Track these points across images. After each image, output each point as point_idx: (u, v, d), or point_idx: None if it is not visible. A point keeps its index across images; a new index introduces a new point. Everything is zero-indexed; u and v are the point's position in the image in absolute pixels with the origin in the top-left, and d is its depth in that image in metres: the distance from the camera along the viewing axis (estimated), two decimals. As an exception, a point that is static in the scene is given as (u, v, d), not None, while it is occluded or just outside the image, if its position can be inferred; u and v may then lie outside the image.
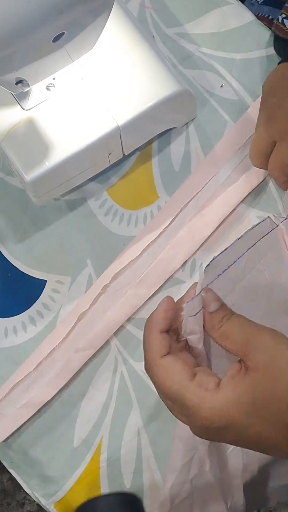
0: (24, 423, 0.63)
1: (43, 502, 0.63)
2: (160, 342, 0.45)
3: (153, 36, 0.73)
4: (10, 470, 0.64)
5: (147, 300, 0.65)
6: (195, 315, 0.46)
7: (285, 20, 0.70)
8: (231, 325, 0.45)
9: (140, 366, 0.65)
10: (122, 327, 0.65)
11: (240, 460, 0.59)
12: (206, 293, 0.46)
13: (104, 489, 0.62)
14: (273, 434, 0.43)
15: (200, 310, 0.46)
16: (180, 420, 0.46)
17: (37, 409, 0.62)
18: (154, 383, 0.46)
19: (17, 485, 1.24)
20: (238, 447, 0.58)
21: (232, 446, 0.59)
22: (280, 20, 0.70)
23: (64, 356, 0.63)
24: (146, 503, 0.62)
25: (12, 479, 1.24)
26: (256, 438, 0.43)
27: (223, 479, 0.60)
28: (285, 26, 0.69)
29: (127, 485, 0.62)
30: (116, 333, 0.65)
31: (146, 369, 0.46)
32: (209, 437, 0.46)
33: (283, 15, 0.70)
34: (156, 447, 0.64)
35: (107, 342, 0.65)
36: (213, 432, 0.44)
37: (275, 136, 0.61)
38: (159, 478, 0.63)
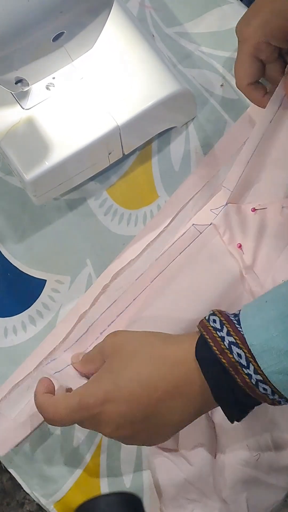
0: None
1: (42, 502, 0.63)
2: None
3: (153, 36, 0.73)
4: (9, 470, 0.64)
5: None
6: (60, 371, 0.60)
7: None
8: (88, 352, 0.59)
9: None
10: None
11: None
12: (73, 357, 0.62)
13: (104, 489, 0.62)
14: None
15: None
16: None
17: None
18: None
19: (16, 484, 1.23)
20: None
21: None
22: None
23: (65, 356, 0.63)
24: (146, 502, 0.61)
25: (12, 478, 1.24)
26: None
27: None
28: None
29: (127, 485, 0.62)
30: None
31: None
32: (116, 428, 0.53)
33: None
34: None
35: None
36: (106, 415, 0.52)
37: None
38: (159, 478, 0.63)
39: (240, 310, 0.51)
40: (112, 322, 0.63)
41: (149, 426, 0.53)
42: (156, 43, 0.71)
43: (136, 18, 0.71)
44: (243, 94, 0.67)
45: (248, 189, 0.66)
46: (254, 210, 0.65)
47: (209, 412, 0.60)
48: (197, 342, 0.51)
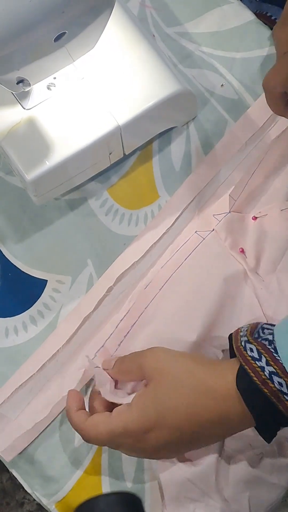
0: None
1: (44, 502, 0.63)
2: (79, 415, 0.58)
3: (153, 35, 0.73)
4: (11, 470, 0.64)
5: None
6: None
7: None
8: (125, 360, 0.59)
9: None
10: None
11: None
12: (104, 363, 0.61)
13: (106, 489, 0.62)
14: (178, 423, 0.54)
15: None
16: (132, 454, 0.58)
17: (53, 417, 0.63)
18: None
19: (16, 484, 1.23)
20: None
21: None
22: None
23: (70, 359, 0.63)
24: (148, 502, 0.61)
25: (11, 478, 1.24)
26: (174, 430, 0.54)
27: None
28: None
29: (129, 485, 0.62)
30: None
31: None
32: (148, 450, 0.55)
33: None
34: (157, 447, 0.64)
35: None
36: (149, 441, 0.54)
37: None
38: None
39: (272, 335, 0.53)
40: (128, 332, 0.63)
41: (185, 449, 0.56)
42: (156, 43, 0.71)
43: (137, 18, 0.71)
44: (243, 94, 0.67)
45: (251, 199, 0.66)
46: (255, 218, 0.66)
47: None
48: (237, 372, 0.52)
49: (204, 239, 0.65)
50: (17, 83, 0.53)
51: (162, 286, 0.64)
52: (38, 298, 0.67)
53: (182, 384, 0.54)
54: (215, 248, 0.65)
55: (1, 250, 0.68)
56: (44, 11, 0.45)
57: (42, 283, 0.67)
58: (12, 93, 0.60)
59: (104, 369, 0.60)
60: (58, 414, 0.63)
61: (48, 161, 0.60)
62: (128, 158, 0.69)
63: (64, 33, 0.50)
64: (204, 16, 0.74)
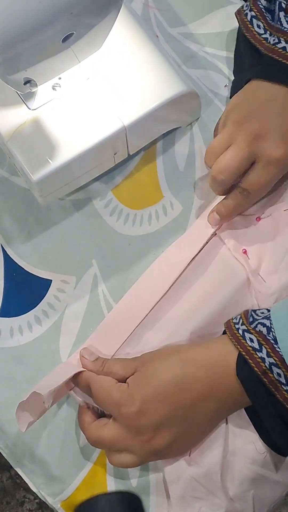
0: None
1: (49, 500, 0.63)
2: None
3: (157, 36, 0.73)
4: (16, 469, 0.64)
5: None
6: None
7: (254, 19, 0.66)
8: (110, 363, 0.60)
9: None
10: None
11: None
12: (84, 351, 0.62)
13: (111, 488, 0.62)
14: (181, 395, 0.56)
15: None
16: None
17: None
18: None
19: (17, 483, 1.23)
20: None
21: None
22: (248, 18, 0.66)
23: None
24: (153, 501, 0.62)
25: (12, 477, 1.24)
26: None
27: None
28: (253, 26, 0.66)
29: (134, 484, 0.62)
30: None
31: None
32: (147, 425, 0.56)
33: (253, 13, 0.66)
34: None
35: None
36: (144, 427, 0.56)
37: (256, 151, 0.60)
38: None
39: (270, 321, 0.55)
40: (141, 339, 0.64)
41: (185, 429, 0.56)
42: (161, 44, 0.71)
43: (141, 18, 0.71)
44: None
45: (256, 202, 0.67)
46: (259, 219, 0.66)
47: None
48: (237, 360, 0.54)
49: (207, 242, 0.66)
50: (24, 84, 0.53)
51: (168, 290, 0.64)
52: (43, 298, 0.67)
53: (170, 359, 0.57)
54: (218, 251, 0.66)
55: (6, 250, 0.68)
56: (53, 12, 0.46)
57: (47, 283, 0.67)
58: (18, 93, 0.60)
59: (82, 356, 0.62)
60: None
61: (53, 162, 0.60)
62: (132, 159, 0.70)
63: (72, 33, 0.50)
64: (207, 16, 0.74)
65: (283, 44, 0.60)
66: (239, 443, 0.60)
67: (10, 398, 0.64)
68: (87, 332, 0.66)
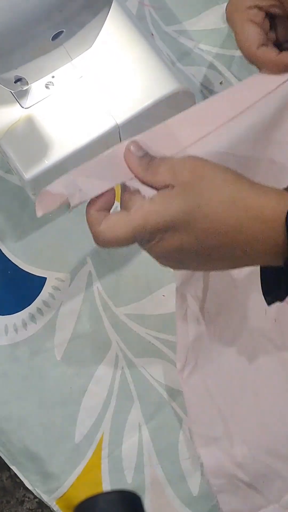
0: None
1: (44, 498, 0.63)
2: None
3: (152, 34, 0.73)
4: (11, 467, 0.64)
5: None
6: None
7: None
8: (157, 162, 0.50)
9: (140, 362, 0.65)
10: (123, 323, 0.66)
11: None
12: (132, 143, 0.51)
13: (106, 485, 0.62)
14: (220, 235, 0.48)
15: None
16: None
17: None
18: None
19: (16, 482, 1.24)
20: None
21: None
22: None
23: None
24: (148, 498, 0.62)
25: (11, 476, 1.24)
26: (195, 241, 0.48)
27: None
28: None
29: (129, 481, 0.63)
30: (117, 330, 0.66)
31: None
32: (167, 255, 0.49)
33: None
34: (157, 443, 0.64)
35: (108, 339, 0.66)
36: (166, 242, 0.48)
37: None
38: (161, 473, 0.63)
39: None
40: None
41: (200, 265, 0.52)
42: (155, 42, 0.71)
43: (135, 16, 0.71)
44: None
45: None
46: None
47: None
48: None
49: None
50: (15, 82, 0.53)
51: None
52: (37, 296, 0.67)
53: (220, 194, 0.47)
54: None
55: (0, 248, 0.68)
56: (41, 10, 0.46)
57: (41, 281, 0.67)
58: (11, 91, 0.60)
59: (127, 153, 0.51)
60: None
61: (46, 160, 0.60)
62: (126, 156, 0.70)
63: (62, 31, 0.50)
64: (203, 14, 0.74)
65: None
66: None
67: (4, 396, 0.64)
68: (82, 329, 0.66)
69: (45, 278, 0.67)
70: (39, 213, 0.51)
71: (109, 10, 0.53)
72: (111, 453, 0.63)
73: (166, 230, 0.47)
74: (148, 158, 0.50)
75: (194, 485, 0.63)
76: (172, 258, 0.51)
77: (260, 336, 0.63)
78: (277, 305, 0.53)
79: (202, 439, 0.62)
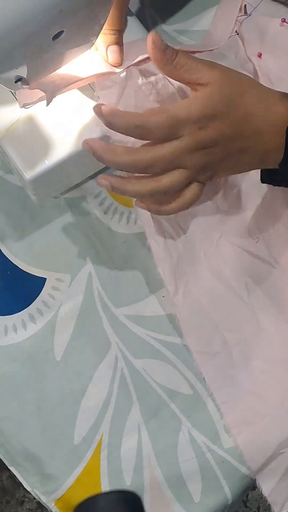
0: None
1: (43, 499, 0.63)
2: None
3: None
4: (10, 468, 0.64)
5: None
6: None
7: None
8: (181, 56, 0.55)
9: (140, 363, 0.65)
10: (123, 324, 0.66)
11: None
12: (155, 36, 0.54)
13: (105, 486, 0.62)
14: (248, 123, 0.56)
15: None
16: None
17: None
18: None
19: (16, 483, 1.24)
20: None
21: None
22: None
23: None
24: (147, 499, 0.62)
25: (11, 477, 1.24)
26: (238, 123, 0.55)
27: None
28: None
29: (128, 482, 0.62)
30: (116, 331, 0.66)
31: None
32: (211, 139, 0.55)
33: None
34: (156, 444, 0.64)
35: (107, 340, 0.65)
36: (212, 124, 0.54)
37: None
38: (160, 475, 0.63)
39: None
40: None
41: (229, 160, 0.57)
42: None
43: (135, 16, 0.71)
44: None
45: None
46: (283, 20, 0.65)
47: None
48: None
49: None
50: (16, 82, 0.53)
51: None
52: (37, 296, 0.67)
53: (248, 91, 0.55)
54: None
55: (0, 248, 0.68)
56: (42, 10, 0.46)
57: (41, 281, 0.67)
58: (11, 91, 0.60)
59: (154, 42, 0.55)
60: None
61: (47, 160, 0.60)
62: (127, 157, 0.69)
63: (62, 31, 0.50)
64: (202, 14, 0.74)
65: None
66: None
67: (4, 397, 0.64)
68: (82, 330, 0.66)
69: (45, 279, 0.67)
70: (21, 105, 0.56)
71: (110, 10, 0.53)
72: (110, 454, 0.63)
73: (209, 118, 0.54)
74: (170, 50, 0.55)
75: (193, 486, 0.63)
76: (204, 157, 0.55)
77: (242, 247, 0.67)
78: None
79: (202, 356, 0.64)
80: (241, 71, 0.59)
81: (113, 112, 0.55)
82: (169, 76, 0.57)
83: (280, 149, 0.56)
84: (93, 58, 0.60)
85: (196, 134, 0.54)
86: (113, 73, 0.60)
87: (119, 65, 0.60)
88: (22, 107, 0.56)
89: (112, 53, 0.60)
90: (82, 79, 0.57)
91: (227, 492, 0.64)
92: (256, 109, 0.55)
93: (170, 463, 0.64)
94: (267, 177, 0.60)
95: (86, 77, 0.58)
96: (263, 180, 0.60)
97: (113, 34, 0.59)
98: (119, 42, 0.60)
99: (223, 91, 0.54)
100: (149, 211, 0.60)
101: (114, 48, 0.59)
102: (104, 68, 0.59)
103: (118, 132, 0.56)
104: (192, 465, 0.64)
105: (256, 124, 0.55)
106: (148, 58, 0.61)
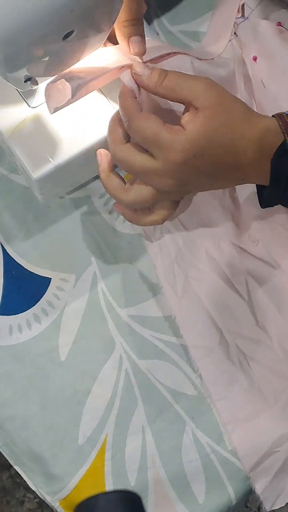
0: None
1: (48, 499, 0.63)
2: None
3: (157, 33, 0.73)
4: (15, 467, 0.64)
5: None
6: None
7: None
8: (171, 77, 0.54)
9: (144, 364, 0.65)
10: (127, 325, 0.66)
11: None
12: (137, 65, 0.56)
13: (109, 487, 0.62)
14: (229, 158, 0.54)
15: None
16: (152, 181, 0.55)
17: None
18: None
19: (16, 483, 1.24)
20: None
21: None
22: None
23: None
24: (151, 500, 0.62)
25: (11, 477, 1.24)
26: (217, 162, 0.54)
27: None
28: None
29: (132, 483, 0.62)
30: (121, 332, 0.66)
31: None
32: (184, 175, 0.54)
33: None
34: (161, 444, 0.64)
35: (112, 340, 0.65)
36: (188, 165, 0.53)
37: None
38: (164, 475, 0.63)
39: None
40: None
41: (208, 181, 0.57)
42: (160, 41, 0.71)
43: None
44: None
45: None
46: (279, 24, 0.66)
47: None
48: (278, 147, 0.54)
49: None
50: (25, 81, 0.53)
51: None
52: (42, 296, 0.67)
53: (234, 123, 0.54)
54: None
55: (6, 248, 0.68)
56: (53, 10, 0.45)
57: (46, 281, 0.67)
58: (18, 91, 0.60)
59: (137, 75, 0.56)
60: None
61: (54, 160, 0.60)
62: (132, 157, 0.69)
63: (73, 31, 0.50)
64: (208, 14, 0.74)
65: None
66: None
67: (8, 396, 0.64)
68: (87, 330, 0.66)
69: (50, 279, 0.67)
70: (51, 112, 0.55)
71: (120, 9, 0.52)
72: (114, 455, 0.63)
73: (190, 157, 0.53)
74: (157, 72, 0.54)
75: (198, 487, 0.63)
76: (173, 184, 0.55)
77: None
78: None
79: (198, 351, 0.64)
80: (237, 77, 0.60)
81: (126, 92, 0.56)
82: (162, 97, 0.56)
83: (262, 176, 0.55)
84: (113, 52, 0.59)
85: (169, 165, 0.53)
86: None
87: (142, 54, 0.59)
88: (53, 112, 0.56)
89: (134, 43, 0.59)
90: (105, 71, 0.56)
91: (231, 493, 0.64)
92: (240, 141, 0.54)
93: (174, 463, 0.64)
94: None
95: (110, 71, 0.57)
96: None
97: (132, 25, 0.58)
98: (139, 32, 0.59)
99: (212, 124, 0.53)
100: (123, 216, 0.61)
101: (135, 39, 0.58)
102: (124, 61, 0.58)
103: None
104: (196, 466, 0.64)
105: (236, 160, 0.54)
106: (167, 54, 0.62)
